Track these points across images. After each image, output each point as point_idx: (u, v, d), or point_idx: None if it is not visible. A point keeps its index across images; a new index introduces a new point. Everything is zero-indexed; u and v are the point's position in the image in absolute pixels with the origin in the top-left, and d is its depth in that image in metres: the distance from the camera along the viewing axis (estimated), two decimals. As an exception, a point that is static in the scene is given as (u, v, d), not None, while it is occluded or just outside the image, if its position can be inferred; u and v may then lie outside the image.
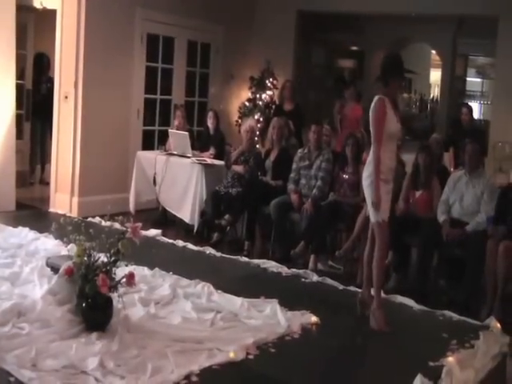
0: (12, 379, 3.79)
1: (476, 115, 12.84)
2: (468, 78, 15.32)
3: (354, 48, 14.53)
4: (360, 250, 6.58)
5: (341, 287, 6.14)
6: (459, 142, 7.75)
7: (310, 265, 6.72)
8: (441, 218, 6.20)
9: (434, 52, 15.17)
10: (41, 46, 10.06)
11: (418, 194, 6.55)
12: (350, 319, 5.34)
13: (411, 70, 4.79)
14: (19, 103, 9.03)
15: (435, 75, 15.99)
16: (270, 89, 10.45)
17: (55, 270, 5.14)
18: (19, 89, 9.03)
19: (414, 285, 6.19)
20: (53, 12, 8.52)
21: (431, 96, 16.31)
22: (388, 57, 5.53)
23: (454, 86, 14.12)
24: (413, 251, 6.45)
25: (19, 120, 9.16)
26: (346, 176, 6.98)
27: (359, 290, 6.02)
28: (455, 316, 5.47)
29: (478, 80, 15.48)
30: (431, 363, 4.41)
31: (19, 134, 9.16)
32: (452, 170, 7.76)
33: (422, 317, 5.53)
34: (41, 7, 8.71)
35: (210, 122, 8.66)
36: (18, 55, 8.66)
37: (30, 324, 4.47)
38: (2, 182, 8.21)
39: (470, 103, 11.48)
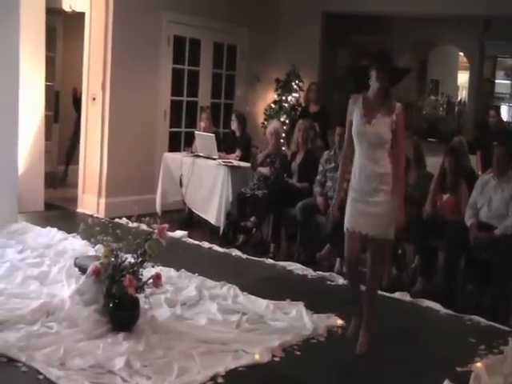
0: (41, 377, 3.86)
1: (505, 117, 12.68)
2: (496, 80, 15.14)
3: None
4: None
5: (367, 290, 6.11)
6: (487, 144, 7.67)
7: (336, 267, 6.70)
8: (468, 221, 6.14)
9: (461, 54, 15.05)
10: (69, 48, 10.16)
11: (445, 197, 6.50)
12: (375, 322, 5.31)
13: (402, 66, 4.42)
14: (48, 105, 9.13)
15: (463, 77, 15.85)
16: (295, 91, 10.44)
17: (83, 270, 5.19)
18: (48, 90, 9.13)
19: (440, 289, 6.15)
20: (81, 15, 8.62)
21: (459, 98, 16.16)
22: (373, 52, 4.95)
23: (482, 88, 13.98)
24: (440, 255, 6.41)
25: (48, 121, 9.26)
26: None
27: (385, 294, 6.03)
28: (483, 321, 5.44)
29: (507, 82, 15.30)
30: (459, 368, 4.39)
31: (48, 135, 9.25)
32: (480, 173, 7.69)
33: (449, 321, 5.50)
34: (70, 10, 8.81)
35: (233, 125, 8.66)
36: (47, 57, 8.76)
37: (59, 323, 4.54)
38: (31, 182, 8.29)
39: (498, 105, 11.35)
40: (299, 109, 10.00)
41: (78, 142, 9.09)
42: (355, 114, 4.56)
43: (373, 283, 4.73)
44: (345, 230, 4.73)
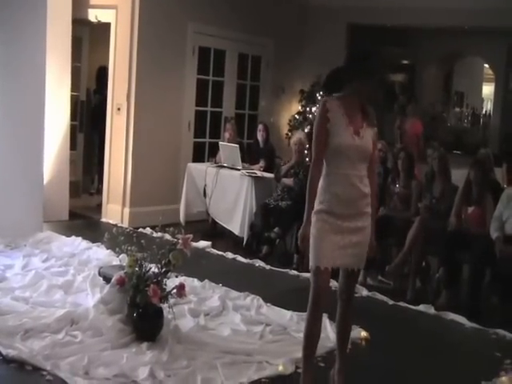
0: (65, 386, 3.87)
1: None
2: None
3: (405, 61, 14.42)
4: (411, 266, 6.51)
5: (391, 302, 6.09)
6: (513, 157, 7.61)
7: (360, 279, 6.65)
8: (494, 234, 6.07)
9: (486, 66, 14.98)
10: (95, 59, 10.24)
11: (470, 209, 6.44)
12: (399, 335, 5.29)
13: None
14: (73, 114, 9.21)
15: (487, 89, 15.78)
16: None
17: (107, 279, 5.21)
18: (73, 100, 9.21)
19: (465, 302, 6.08)
20: (107, 25, 8.69)
21: (483, 110, 16.08)
22: (352, 51, 4.12)
23: (508, 100, 13.89)
24: (464, 267, 6.35)
25: (73, 131, 9.33)
26: (397, 189, 6.91)
27: (410, 306, 5.98)
28: (508, 334, 5.37)
29: (534, 94, 15.20)
30: (483, 382, 4.34)
31: (73, 144, 9.32)
32: (505, 185, 7.61)
33: (474, 335, 5.44)
34: (96, 21, 8.88)
35: (259, 135, 8.69)
36: (73, 67, 8.84)
37: (83, 332, 4.55)
38: (56, 191, 8.35)
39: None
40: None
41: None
42: (337, 123, 3.71)
43: (349, 331, 4.20)
44: (315, 268, 3.95)
